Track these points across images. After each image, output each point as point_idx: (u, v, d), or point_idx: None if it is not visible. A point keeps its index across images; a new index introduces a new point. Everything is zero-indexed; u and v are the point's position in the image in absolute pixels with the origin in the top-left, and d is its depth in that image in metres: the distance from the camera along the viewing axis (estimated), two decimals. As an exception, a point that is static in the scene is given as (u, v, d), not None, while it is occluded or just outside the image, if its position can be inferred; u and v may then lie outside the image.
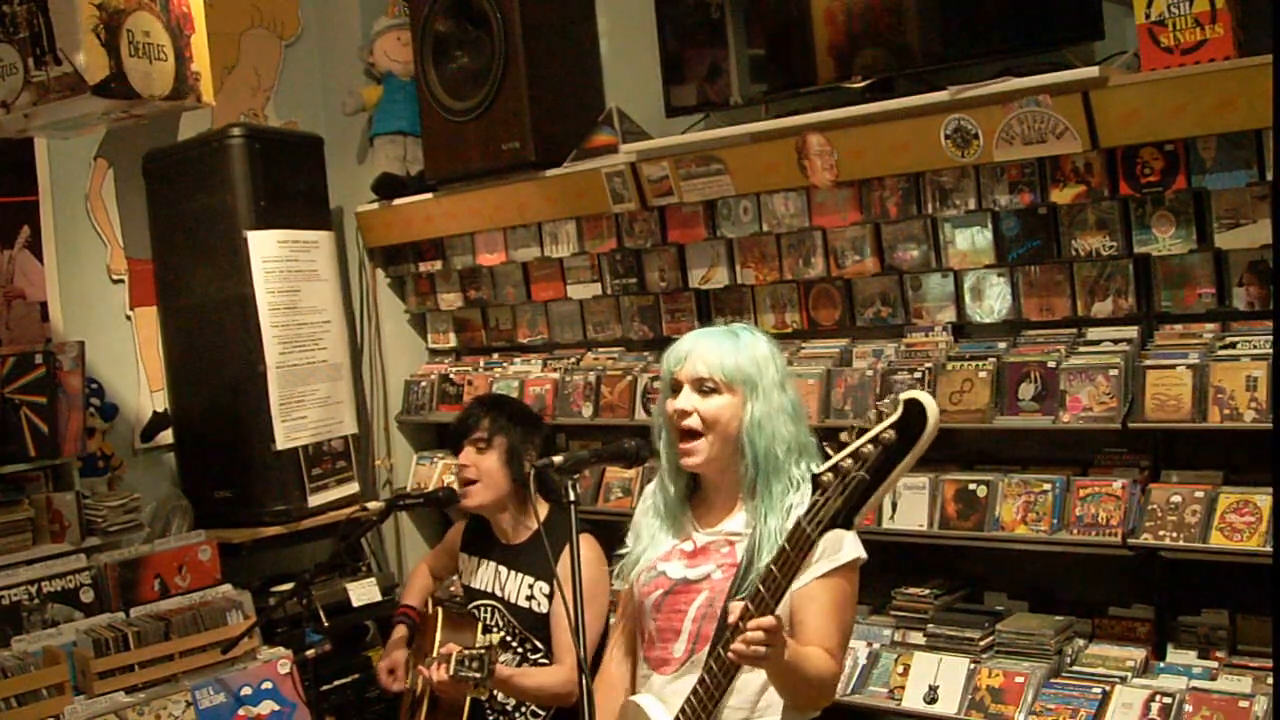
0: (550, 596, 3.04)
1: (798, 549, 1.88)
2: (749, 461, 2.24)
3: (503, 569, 3.15)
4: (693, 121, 3.73)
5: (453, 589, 3.51)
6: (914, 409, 1.73)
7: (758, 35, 3.56)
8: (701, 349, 2.28)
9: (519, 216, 4.18)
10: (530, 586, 3.08)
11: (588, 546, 2.97)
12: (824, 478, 1.81)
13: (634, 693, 2.39)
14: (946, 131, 3.12)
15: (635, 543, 2.43)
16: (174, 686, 3.40)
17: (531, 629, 3.07)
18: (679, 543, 2.35)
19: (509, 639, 3.08)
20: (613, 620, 2.77)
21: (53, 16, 2.92)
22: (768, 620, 1.91)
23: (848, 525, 1.81)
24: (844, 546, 2.20)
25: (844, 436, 1.83)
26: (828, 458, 1.85)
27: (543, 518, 3.05)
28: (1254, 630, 2.96)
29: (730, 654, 1.95)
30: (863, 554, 2.25)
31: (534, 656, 3.06)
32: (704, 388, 2.27)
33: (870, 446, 1.75)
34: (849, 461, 1.77)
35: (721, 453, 2.27)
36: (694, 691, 2.14)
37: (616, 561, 2.50)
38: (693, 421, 2.26)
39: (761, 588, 1.94)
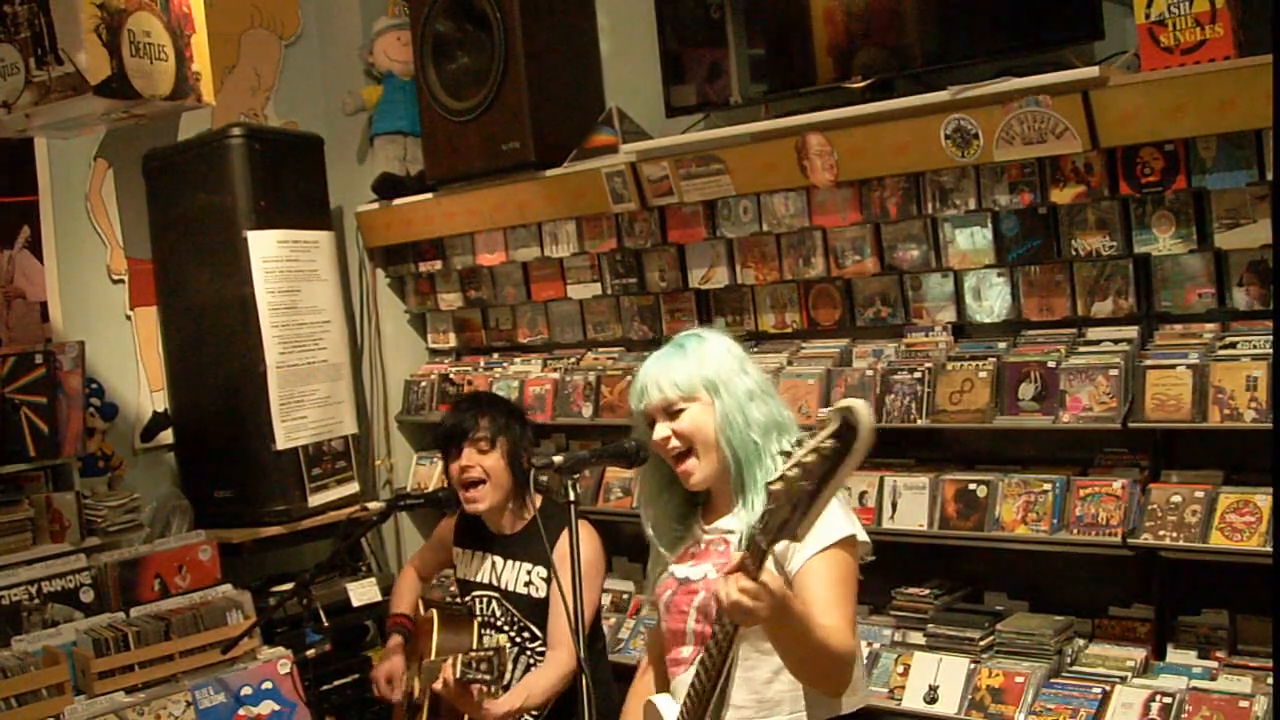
0: (547, 580, 3.04)
1: (755, 559, 1.88)
2: (730, 459, 2.26)
3: (498, 560, 3.15)
4: (693, 121, 3.73)
5: (453, 588, 3.50)
6: (848, 417, 1.74)
7: (758, 35, 3.56)
8: (653, 375, 2.31)
9: (519, 216, 4.18)
10: (528, 573, 3.09)
11: (584, 529, 2.97)
12: (774, 487, 1.84)
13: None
14: (946, 131, 3.12)
15: (650, 564, 2.45)
16: (174, 686, 3.40)
17: (528, 614, 3.07)
18: (689, 545, 2.37)
19: (506, 629, 3.08)
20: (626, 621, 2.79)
21: (54, 16, 2.93)
22: (750, 585, 1.88)
23: (794, 535, 1.83)
24: (834, 524, 2.19)
25: (790, 447, 1.85)
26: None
27: (537, 505, 3.06)
28: (1254, 630, 2.96)
29: (724, 603, 1.92)
30: (858, 532, 2.22)
31: (532, 645, 3.05)
32: (671, 411, 2.29)
33: (812, 456, 1.78)
34: (794, 471, 1.80)
35: (716, 462, 2.29)
36: (691, 686, 2.15)
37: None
38: (676, 443, 2.29)
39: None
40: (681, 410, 2.28)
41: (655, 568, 2.42)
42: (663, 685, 2.43)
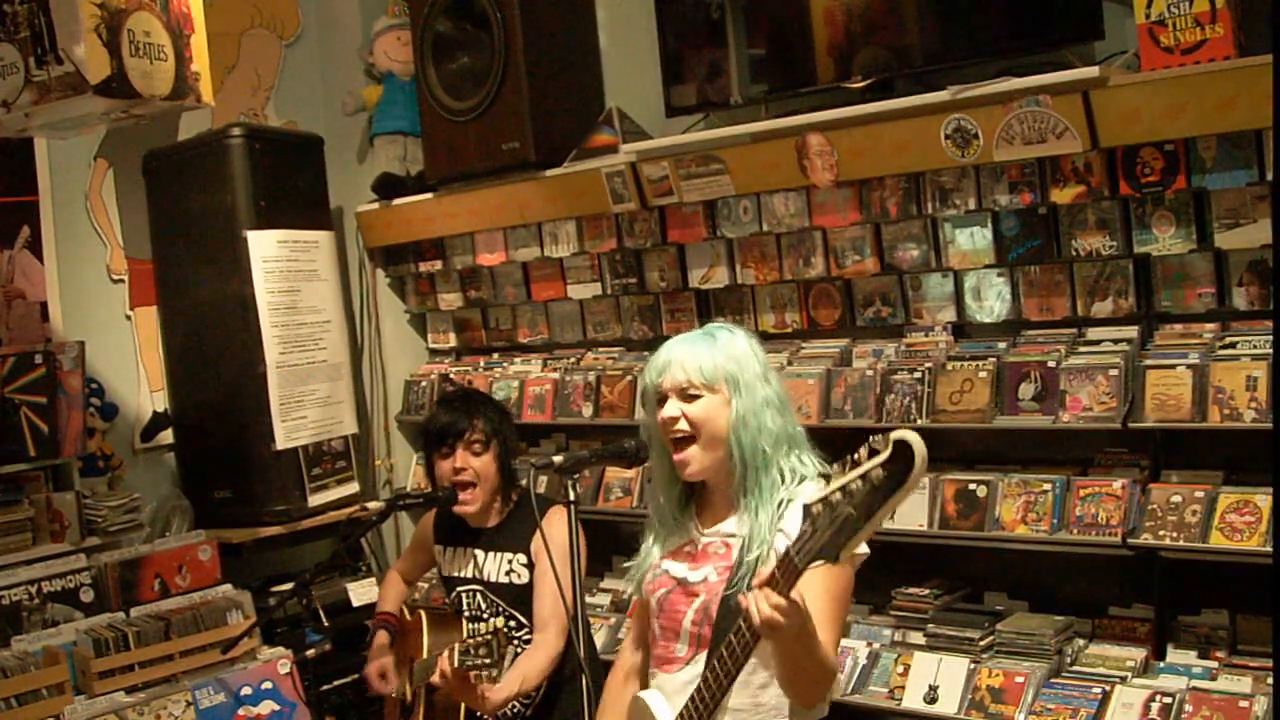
0: (529, 566, 3.04)
1: (787, 577, 1.88)
2: (737, 460, 2.25)
3: (480, 553, 3.15)
4: (693, 121, 3.73)
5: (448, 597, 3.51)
6: (903, 449, 1.73)
7: (758, 35, 3.56)
8: (680, 356, 2.28)
9: (519, 216, 4.18)
10: (509, 561, 3.08)
11: (561, 512, 2.96)
12: (814, 508, 1.82)
13: (645, 687, 2.40)
14: (946, 131, 3.12)
15: (641, 554, 2.44)
16: (174, 686, 3.40)
17: (512, 603, 3.06)
18: (683, 543, 2.36)
19: (492, 621, 3.08)
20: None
21: (54, 16, 2.93)
22: (783, 603, 1.89)
23: (833, 558, 1.82)
24: None
25: (835, 469, 1.84)
26: (822, 457, 1.83)
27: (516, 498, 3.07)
28: (1254, 630, 2.97)
29: (752, 614, 1.91)
30: (864, 550, 2.24)
31: (519, 634, 3.05)
32: (687, 394, 2.27)
33: (859, 483, 1.76)
34: (838, 495, 1.78)
35: (716, 456, 2.27)
36: (692, 697, 2.15)
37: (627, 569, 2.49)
38: (682, 426, 2.26)
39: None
40: (698, 396, 2.26)
41: (646, 560, 2.40)
42: (644, 679, 2.43)
